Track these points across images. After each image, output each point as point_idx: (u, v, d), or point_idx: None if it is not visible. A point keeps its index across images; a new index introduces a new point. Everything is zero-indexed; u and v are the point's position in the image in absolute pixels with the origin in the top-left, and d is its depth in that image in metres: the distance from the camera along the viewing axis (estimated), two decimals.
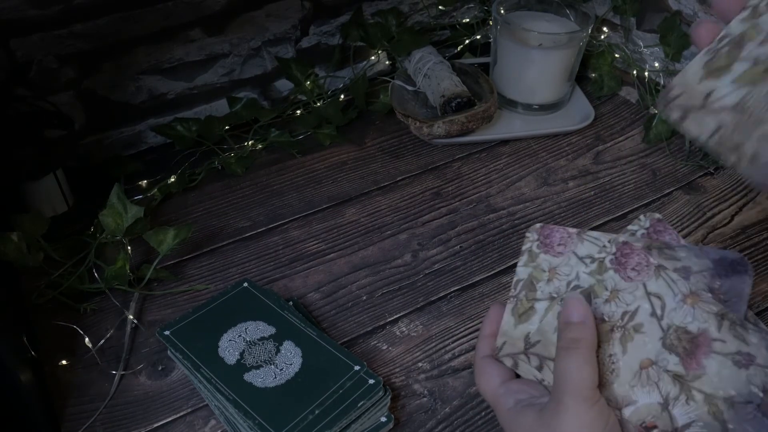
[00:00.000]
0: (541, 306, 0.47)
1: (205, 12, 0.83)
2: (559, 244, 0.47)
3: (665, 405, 0.41)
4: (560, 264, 0.47)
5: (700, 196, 0.80)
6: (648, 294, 0.44)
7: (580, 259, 0.46)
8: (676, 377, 0.41)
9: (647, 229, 0.47)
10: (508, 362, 0.46)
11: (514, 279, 0.49)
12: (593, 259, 0.46)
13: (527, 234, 0.50)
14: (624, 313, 0.44)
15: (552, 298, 0.46)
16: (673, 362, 0.41)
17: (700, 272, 0.41)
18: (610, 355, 0.43)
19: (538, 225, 0.50)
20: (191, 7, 0.82)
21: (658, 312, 0.43)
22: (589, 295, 0.45)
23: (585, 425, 0.39)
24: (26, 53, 0.75)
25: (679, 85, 0.40)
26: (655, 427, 0.40)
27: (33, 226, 0.67)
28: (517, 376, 0.46)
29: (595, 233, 0.47)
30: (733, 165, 0.39)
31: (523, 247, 0.49)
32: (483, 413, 0.58)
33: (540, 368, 0.45)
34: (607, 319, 0.44)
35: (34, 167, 0.72)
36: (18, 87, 0.76)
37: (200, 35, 0.84)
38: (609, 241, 0.46)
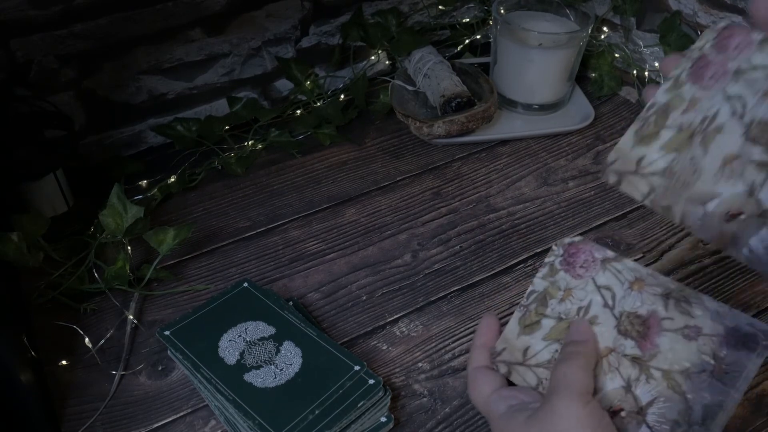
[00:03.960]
0: (547, 323, 0.47)
1: (205, 12, 0.83)
2: (581, 267, 0.48)
3: (628, 387, 0.43)
4: (577, 287, 0.47)
5: None
6: (598, 287, 0.46)
7: (598, 288, 0.46)
8: (635, 360, 0.43)
9: (562, 256, 0.49)
10: (503, 369, 0.47)
11: (529, 288, 0.49)
12: (608, 289, 0.46)
13: (554, 247, 0.50)
14: (579, 309, 0.46)
15: (560, 319, 0.47)
16: (629, 346, 0.44)
17: (709, 336, 0.41)
18: None
19: (566, 240, 0.49)
20: (191, 7, 0.82)
21: (610, 302, 0.46)
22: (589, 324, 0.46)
23: (577, 422, 0.39)
24: (26, 53, 0.75)
25: (615, 152, 0.44)
26: (621, 410, 0.42)
27: (33, 226, 0.67)
28: (509, 383, 0.47)
29: (620, 265, 0.47)
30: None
31: (546, 260, 0.50)
32: None
33: (536, 386, 0.46)
34: (564, 317, 0.47)
35: (34, 167, 0.72)
36: (18, 87, 0.76)
37: (200, 35, 0.84)
38: (624, 269, 0.46)
